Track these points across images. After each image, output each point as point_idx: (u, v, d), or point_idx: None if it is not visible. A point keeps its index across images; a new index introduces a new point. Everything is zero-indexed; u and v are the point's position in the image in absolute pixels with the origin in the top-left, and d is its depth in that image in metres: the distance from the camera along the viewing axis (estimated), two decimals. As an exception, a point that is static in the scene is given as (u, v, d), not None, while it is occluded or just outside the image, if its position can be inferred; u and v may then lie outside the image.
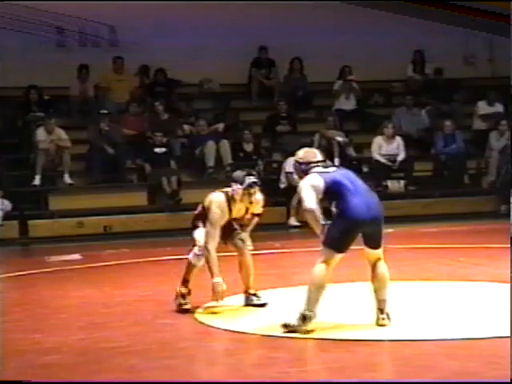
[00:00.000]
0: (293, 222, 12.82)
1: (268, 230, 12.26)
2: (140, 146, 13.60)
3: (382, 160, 13.93)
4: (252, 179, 6.69)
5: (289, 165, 13.19)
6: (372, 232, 5.92)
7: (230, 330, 6.00)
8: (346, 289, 7.44)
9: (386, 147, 14.04)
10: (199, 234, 6.72)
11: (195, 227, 6.79)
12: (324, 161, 6.30)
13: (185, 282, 6.80)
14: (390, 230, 11.83)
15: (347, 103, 15.15)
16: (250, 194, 6.66)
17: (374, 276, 5.99)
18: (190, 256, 6.78)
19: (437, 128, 14.67)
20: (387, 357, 5.28)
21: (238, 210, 6.76)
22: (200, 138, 13.79)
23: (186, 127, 14.19)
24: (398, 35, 15.14)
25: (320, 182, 5.94)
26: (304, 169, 6.14)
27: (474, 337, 5.59)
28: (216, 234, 6.59)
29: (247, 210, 6.83)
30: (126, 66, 14.65)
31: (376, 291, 5.97)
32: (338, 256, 5.85)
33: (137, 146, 13.62)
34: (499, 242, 10.16)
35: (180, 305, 6.71)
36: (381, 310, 5.91)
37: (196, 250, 6.73)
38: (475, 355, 5.20)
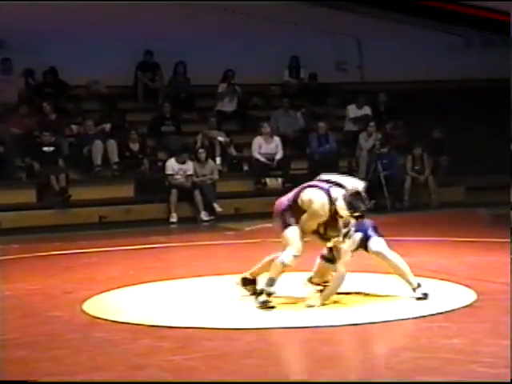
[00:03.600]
0: (173, 218, 12.82)
1: (152, 225, 12.22)
2: (28, 145, 13.28)
3: (262, 159, 14.03)
4: (361, 209, 6.00)
5: (169, 167, 13.18)
6: None
7: (116, 321, 5.91)
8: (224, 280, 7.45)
9: (264, 147, 14.14)
10: (292, 234, 6.12)
11: (287, 225, 6.16)
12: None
13: (272, 282, 6.16)
14: (269, 225, 11.96)
15: (228, 105, 15.20)
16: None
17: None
18: (284, 256, 6.15)
19: (311, 129, 14.87)
20: (266, 343, 5.29)
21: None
22: (87, 138, 13.58)
23: (74, 127, 13.95)
24: (275, 41, 15.27)
25: None
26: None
27: (347, 323, 5.67)
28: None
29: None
30: (14, 67, 14.28)
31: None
32: None
33: (25, 145, 13.30)
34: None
35: (265, 302, 6.13)
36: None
37: (293, 251, 6.11)
38: (347, 340, 5.28)
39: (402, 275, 6.28)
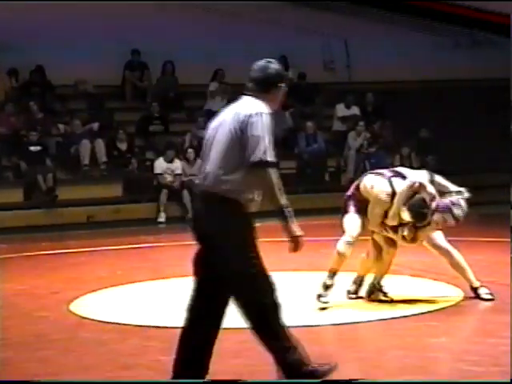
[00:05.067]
0: (162, 218, 12.81)
1: (140, 224, 12.21)
2: (15, 145, 13.23)
3: (249, 158, 14.00)
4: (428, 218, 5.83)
5: (158, 166, 13.17)
6: None
7: (104, 321, 5.91)
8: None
9: (253, 146, 14.12)
10: (348, 221, 6.06)
11: (346, 212, 6.15)
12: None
13: (332, 273, 6.08)
14: (257, 225, 11.99)
15: (218, 104, 15.17)
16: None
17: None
18: (339, 245, 6.09)
19: (299, 129, 14.88)
20: (255, 343, 5.29)
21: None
22: (75, 137, 13.55)
23: (61, 126, 13.91)
24: (263, 41, 15.26)
25: None
26: None
27: (335, 322, 5.69)
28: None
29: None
30: (1, 66, 14.22)
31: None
32: None
33: (12, 144, 13.25)
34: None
35: (319, 296, 6.06)
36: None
37: (347, 237, 6.06)
38: (336, 339, 5.30)
39: (463, 273, 6.15)
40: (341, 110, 15.35)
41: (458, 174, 14.11)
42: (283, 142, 14.88)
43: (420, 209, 5.74)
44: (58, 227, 12.01)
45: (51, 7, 13.91)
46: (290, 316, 5.88)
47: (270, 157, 3.92)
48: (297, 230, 3.96)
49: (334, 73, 16.66)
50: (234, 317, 5.93)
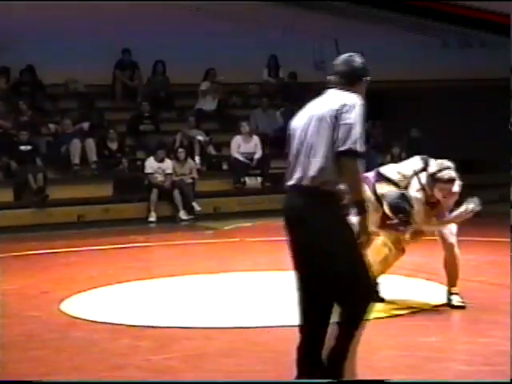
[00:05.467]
0: (152, 218, 12.79)
1: (130, 224, 12.20)
2: (5, 144, 13.19)
3: (241, 158, 14.03)
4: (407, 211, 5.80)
5: (148, 166, 13.17)
6: None
7: (95, 321, 5.91)
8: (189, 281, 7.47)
9: (244, 146, 14.15)
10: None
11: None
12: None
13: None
14: (249, 224, 12.01)
15: (208, 104, 15.19)
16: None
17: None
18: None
19: (290, 128, 14.87)
20: (246, 343, 5.31)
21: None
22: (65, 137, 13.52)
23: (52, 126, 13.87)
24: (254, 40, 15.27)
25: None
26: None
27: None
28: None
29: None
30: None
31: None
32: None
33: (2, 143, 13.21)
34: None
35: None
36: None
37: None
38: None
39: (451, 273, 6.03)
40: (331, 109, 15.34)
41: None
42: (274, 141, 14.91)
43: (398, 202, 5.73)
44: (49, 227, 11.99)
45: (42, 6, 13.87)
46: (279, 316, 5.91)
47: (360, 147, 3.87)
48: (369, 225, 3.90)
49: (325, 72, 16.65)
50: (221, 317, 5.95)
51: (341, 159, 3.82)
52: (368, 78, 4.11)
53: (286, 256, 6.78)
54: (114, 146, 13.76)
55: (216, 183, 13.89)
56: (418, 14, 14.74)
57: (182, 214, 12.87)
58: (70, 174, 13.34)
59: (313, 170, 3.85)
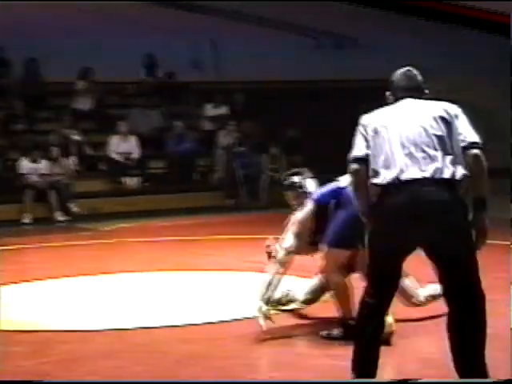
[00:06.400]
0: (27, 219, 12.47)
1: (3, 226, 11.83)
2: None
3: (118, 158, 13.87)
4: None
5: (22, 166, 12.83)
6: None
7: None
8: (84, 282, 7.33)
9: (121, 146, 13.99)
10: None
11: None
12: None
13: None
14: (127, 225, 11.88)
15: (84, 103, 14.93)
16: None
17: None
18: None
19: (168, 128, 14.83)
20: (124, 344, 5.23)
21: None
22: None
23: None
24: (131, 39, 15.11)
25: None
26: None
27: (203, 321, 5.70)
28: None
29: None
30: None
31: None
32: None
33: None
34: (226, 233, 10.49)
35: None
36: None
37: None
38: (204, 338, 5.30)
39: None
40: (210, 109, 15.39)
41: (326, 173, 14.57)
42: (152, 141, 14.82)
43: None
44: None
45: None
46: (158, 316, 5.87)
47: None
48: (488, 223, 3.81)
49: (203, 72, 16.67)
50: (99, 319, 5.86)
51: (469, 153, 3.78)
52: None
53: (165, 256, 6.78)
54: (-15, 146, 13.34)
55: (94, 184, 13.67)
56: (419, 14, 14.79)
57: (58, 215, 12.60)
58: None
59: (450, 164, 3.77)
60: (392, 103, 4.03)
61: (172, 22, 15.26)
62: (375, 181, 3.83)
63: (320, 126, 15.25)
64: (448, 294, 3.82)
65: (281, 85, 16.26)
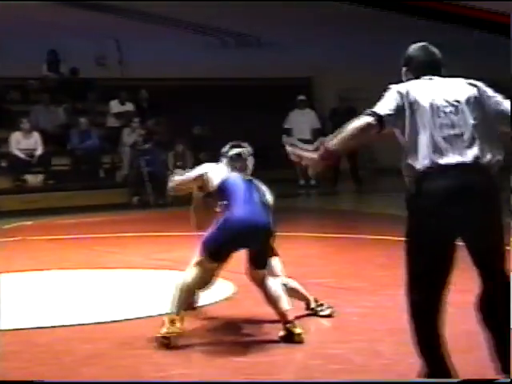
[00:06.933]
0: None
1: None
2: None
3: (21, 155, 13.61)
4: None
5: None
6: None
7: None
8: None
9: (23, 142, 13.73)
10: None
11: None
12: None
13: None
14: (29, 223, 11.65)
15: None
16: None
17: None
18: None
19: (73, 125, 14.64)
20: (25, 345, 5.15)
21: None
22: None
23: None
24: (32, 35, 14.81)
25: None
26: None
27: (107, 320, 5.66)
28: None
29: None
30: None
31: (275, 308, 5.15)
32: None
33: None
34: (131, 231, 10.43)
35: None
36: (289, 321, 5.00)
37: None
38: (108, 337, 5.26)
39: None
40: (115, 106, 15.26)
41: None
42: (56, 138, 14.60)
43: None
44: None
45: None
46: (61, 315, 5.80)
47: None
48: None
49: (107, 68, 16.52)
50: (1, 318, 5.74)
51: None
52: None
53: (69, 254, 6.68)
54: None
55: (-5, 181, 13.38)
56: (418, 14, 14.73)
57: (-43, 214, 12.28)
58: None
59: (487, 149, 3.74)
60: (411, 79, 3.90)
61: (76, 20, 15.02)
62: (413, 163, 3.73)
63: (225, 124, 15.31)
64: (482, 278, 3.83)
65: (186, 82, 16.25)
